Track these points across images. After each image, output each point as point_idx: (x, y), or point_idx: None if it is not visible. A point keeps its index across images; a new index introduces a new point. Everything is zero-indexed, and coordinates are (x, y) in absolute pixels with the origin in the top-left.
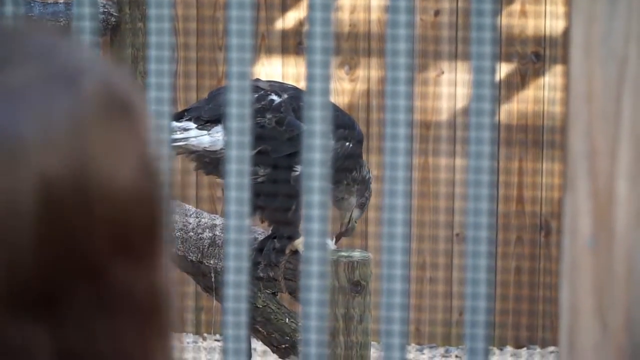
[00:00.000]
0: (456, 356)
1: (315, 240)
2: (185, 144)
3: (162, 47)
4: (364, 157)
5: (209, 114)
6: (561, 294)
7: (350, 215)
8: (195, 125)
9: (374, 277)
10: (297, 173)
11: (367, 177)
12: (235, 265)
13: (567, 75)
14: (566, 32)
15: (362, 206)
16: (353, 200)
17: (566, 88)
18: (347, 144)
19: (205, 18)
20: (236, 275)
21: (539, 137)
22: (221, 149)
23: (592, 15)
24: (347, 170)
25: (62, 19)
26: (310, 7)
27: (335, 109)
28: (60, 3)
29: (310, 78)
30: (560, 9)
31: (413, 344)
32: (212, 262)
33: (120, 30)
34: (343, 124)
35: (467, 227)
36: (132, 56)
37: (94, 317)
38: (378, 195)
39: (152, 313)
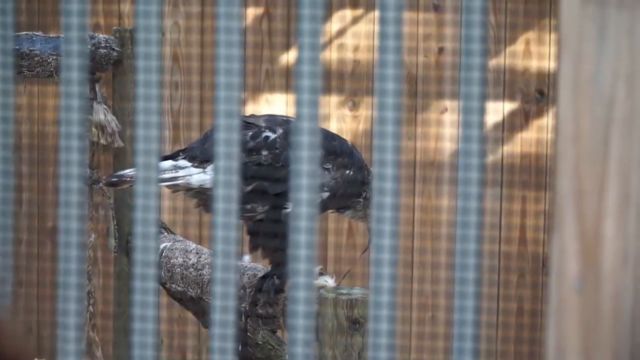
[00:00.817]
0: None
1: (301, 280)
2: (182, 182)
3: (150, 85)
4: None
5: (204, 154)
6: (548, 334)
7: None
8: (191, 164)
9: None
10: (289, 210)
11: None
12: (222, 304)
13: (555, 115)
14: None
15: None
16: (369, 212)
17: (554, 128)
18: (347, 172)
19: (207, 57)
20: (223, 314)
21: (541, 179)
22: None
23: (580, 55)
24: (354, 196)
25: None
26: (299, 46)
27: (333, 137)
28: (62, 37)
29: (298, 117)
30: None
31: None
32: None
33: (122, 66)
34: (342, 151)
35: (455, 267)
36: (134, 92)
37: None
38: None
39: None
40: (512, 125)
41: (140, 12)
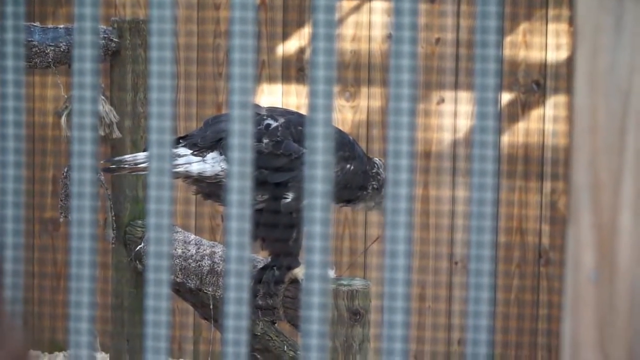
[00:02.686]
0: None
1: (316, 272)
2: (181, 170)
3: (164, 75)
4: None
5: (204, 142)
6: (563, 326)
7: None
8: (191, 152)
9: (374, 309)
10: (288, 200)
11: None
12: (236, 296)
13: (571, 107)
14: (568, 64)
15: (381, 203)
16: (379, 200)
17: (569, 120)
18: (348, 165)
19: (207, 47)
20: (237, 306)
21: (539, 169)
22: (216, 175)
23: (596, 47)
24: (357, 189)
25: (62, 44)
26: (314, 37)
27: (336, 129)
28: (60, 28)
29: (312, 108)
30: (563, 40)
31: None
32: (210, 289)
33: (120, 57)
34: (342, 145)
35: (470, 259)
36: (132, 83)
37: None
38: (381, 227)
39: None
40: (510, 115)
41: (154, 3)
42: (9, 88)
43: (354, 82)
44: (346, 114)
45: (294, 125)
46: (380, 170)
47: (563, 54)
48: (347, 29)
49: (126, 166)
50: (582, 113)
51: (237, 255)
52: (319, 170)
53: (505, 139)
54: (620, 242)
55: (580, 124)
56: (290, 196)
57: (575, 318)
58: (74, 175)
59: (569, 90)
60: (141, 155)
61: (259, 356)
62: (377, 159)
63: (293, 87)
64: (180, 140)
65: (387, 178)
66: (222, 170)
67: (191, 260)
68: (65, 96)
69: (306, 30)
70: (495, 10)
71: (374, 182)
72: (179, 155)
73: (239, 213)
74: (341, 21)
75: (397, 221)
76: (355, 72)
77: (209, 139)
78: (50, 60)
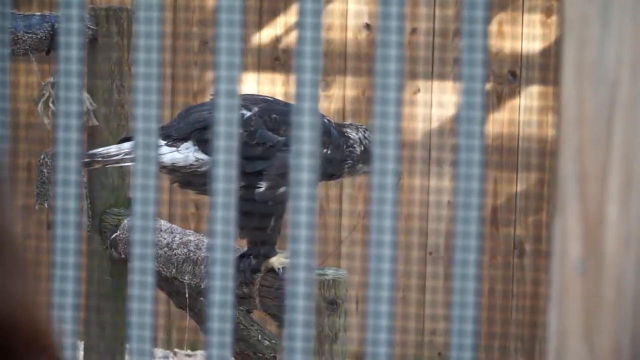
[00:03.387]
0: None
1: (302, 261)
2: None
3: (150, 64)
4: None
5: (178, 133)
6: (549, 317)
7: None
8: (165, 142)
9: (350, 298)
10: (262, 190)
11: (367, 145)
12: (221, 285)
13: (558, 98)
14: (543, 54)
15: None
16: (362, 167)
17: (556, 111)
18: (325, 150)
19: (180, 35)
20: (222, 294)
21: (513, 159)
22: (190, 165)
23: (584, 39)
24: (334, 174)
25: (38, 31)
26: (300, 26)
27: None
28: (36, 15)
29: (299, 97)
30: (537, 31)
31: None
32: (186, 278)
33: (97, 44)
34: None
35: (456, 249)
36: (109, 70)
37: None
38: (357, 215)
39: (18, 249)
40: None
41: None
42: None
43: (329, 72)
44: (321, 103)
45: (267, 114)
46: (355, 145)
47: (538, 45)
48: (324, 17)
49: (99, 159)
50: (569, 104)
51: (223, 244)
52: (305, 159)
53: (486, 127)
54: (607, 233)
55: (568, 115)
56: (264, 185)
57: (561, 309)
58: (59, 162)
59: (544, 81)
60: (113, 148)
61: (233, 345)
62: (350, 129)
63: (268, 76)
64: None
65: (370, 155)
66: (196, 161)
67: (167, 249)
68: (43, 83)
69: (282, 19)
70: (481, 0)
71: (349, 161)
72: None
73: (225, 201)
74: None
75: (383, 211)
76: (330, 61)
77: (182, 130)
78: (27, 47)
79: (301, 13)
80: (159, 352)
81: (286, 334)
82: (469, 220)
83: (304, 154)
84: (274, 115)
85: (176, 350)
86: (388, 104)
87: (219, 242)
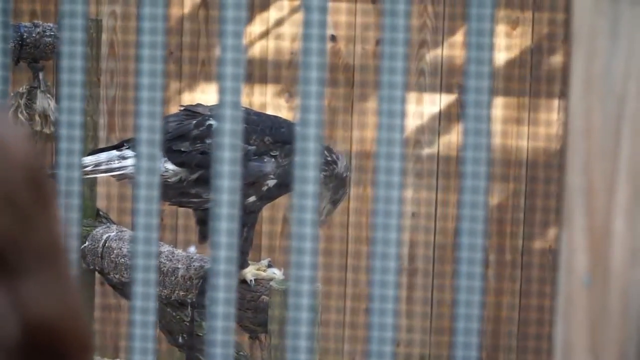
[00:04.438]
0: None
1: (306, 274)
2: (126, 172)
3: (155, 74)
4: None
5: None
6: (556, 330)
7: (323, 210)
8: (133, 154)
9: (323, 308)
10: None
11: (345, 174)
12: (225, 297)
13: (566, 110)
14: (507, 65)
15: (336, 202)
16: (326, 194)
17: (564, 123)
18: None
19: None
20: (225, 307)
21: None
22: (160, 175)
23: (592, 52)
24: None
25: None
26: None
27: (282, 124)
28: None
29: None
30: (502, 41)
31: None
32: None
33: None
34: (290, 139)
35: (461, 261)
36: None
37: (38, 268)
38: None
39: (61, 255)
40: (448, 116)
41: (146, 2)
42: None
43: (293, 82)
44: (286, 113)
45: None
46: (339, 167)
47: (503, 56)
48: (288, 28)
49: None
50: (576, 117)
51: (226, 256)
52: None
53: (443, 140)
54: (614, 245)
55: (575, 128)
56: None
57: (568, 322)
58: (62, 173)
59: (508, 92)
60: (88, 159)
61: (201, 357)
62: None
63: None
64: (125, 144)
65: (377, 180)
66: (165, 171)
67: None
68: (12, 94)
69: (254, 29)
70: (489, 12)
71: (327, 174)
72: (124, 158)
73: (229, 213)
74: (282, 20)
75: (389, 224)
76: (294, 72)
77: None
78: None
79: (306, 24)
80: None
81: (290, 346)
82: (474, 234)
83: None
84: (245, 125)
85: None
86: (395, 117)
87: (223, 254)
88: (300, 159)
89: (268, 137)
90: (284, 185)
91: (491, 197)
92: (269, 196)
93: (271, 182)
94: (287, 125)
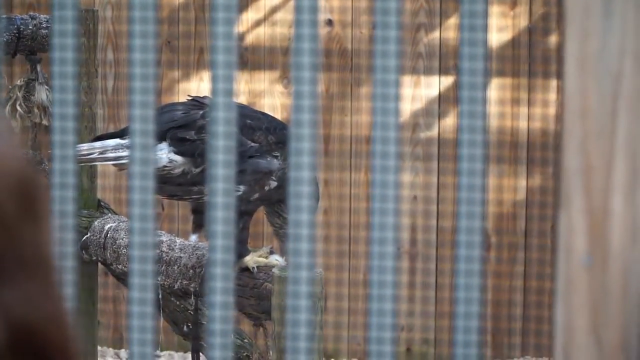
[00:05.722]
0: None
1: (304, 261)
2: (127, 161)
3: (147, 64)
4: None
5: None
6: (556, 312)
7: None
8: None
9: (327, 296)
10: (240, 193)
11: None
12: (223, 286)
13: (561, 90)
14: (504, 46)
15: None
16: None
17: (560, 104)
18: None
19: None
20: (223, 296)
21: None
22: (164, 167)
23: (586, 31)
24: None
25: (4, 35)
26: (297, 24)
27: (284, 126)
28: (2, 18)
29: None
30: (496, 22)
31: None
32: (158, 279)
33: None
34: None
35: (459, 245)
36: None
37: (22, 276)
38: (330, 213)
39: (47, 265)
40: (447, 99)
41: None
42: None
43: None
44: (284, 100)
45: (241, 118)
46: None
47: (499, 37)
48: (284, 15)
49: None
50: (572, 97)
51: (223, 245)
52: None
53: (442, 122)
54: (613, 226)
55: (571, 108)
56: (242, 189)
57: (568, 303)
58: (56, 165)
59: (504, 73)
60: (85, 146)
61: (205, 344)
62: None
63: None
64: (127, 131)
65: (373, 164)
66: (169, 162)
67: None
68: (10, 87)
69: (245, 16)
70: None
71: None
72: (127, 147)
73: (224, 202)
74: (278, 7)
75: (386, 208)
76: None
77: (157, 130)
78: None
79: (297, 10)
80: (123, 352)
81: (289, 333)
82: (473, 216)
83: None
84: (249, 121)
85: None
86: (389, 100)
87: (219, 242)
88: (295, 145)
89: (272, 136)
90: (282, 188)
91: (491, 179)
92: (268, 197)
93: (272, 184)
94: (286, 126)
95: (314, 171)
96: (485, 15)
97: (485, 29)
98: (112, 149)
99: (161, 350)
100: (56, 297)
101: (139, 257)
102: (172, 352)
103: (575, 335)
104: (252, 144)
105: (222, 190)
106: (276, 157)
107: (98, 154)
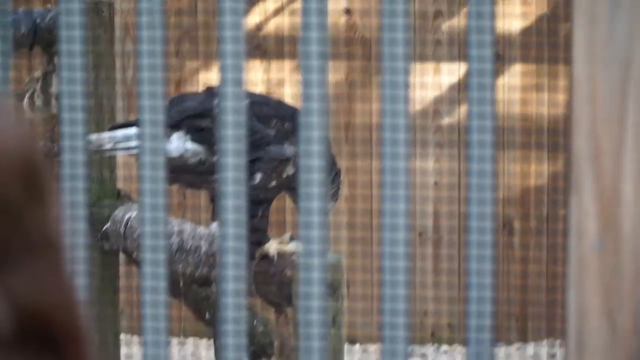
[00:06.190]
0: (422, 355)
1: (315, 248)
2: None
3: (155, 54)
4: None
5: (170, 121)
6: (568, 296)
7: None
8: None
9: (348, 282)
10: (257, 181)
11: (334, 170)
12: (234, 274)
13: (570, 77)
14: (524, 33)
15: (331, 197)
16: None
17: (568, 90)
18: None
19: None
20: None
21: (498, 138)
22: (180, 156)
23: (594, 18)
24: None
25: (22, 27)
26: (305, 12)
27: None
28: (20, 11)
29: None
30: (517, 9)
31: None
32: (180, 267)
33: None
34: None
35: (471, 231)
36: (93, 63)
37: (29, 260)
38: (352, 200)
39: (55, 249)
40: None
41: None
42: None
43: None
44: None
45: (258, 106)
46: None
47: (518, 23)
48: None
49: (92, 147)
50: (581, 82)
51: (234, 233)
52: (315, 145)
53: (463, 109)
54: (623, 209)
55: (580, 93)
56: (258, 177)
57: (581, 287)
58: (65, 156)
59: (525, 59)
60: (106, 136)
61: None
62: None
63: (249, 64)
64: None
65: (383, 152)
66: (187, 150)
67: None
68: (28, 79)
69: (262, 7)
70: None
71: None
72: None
73: (235, 190)
74: None
75: (396, 195)
76: None
77: (174, 118)
78: (14, 43)
79: None
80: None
81: (302, 320)
82: (483, 202)
83: (314, 139)
84: (266, 109)
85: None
86: (397, 87)
87: (231, 231)
88: (304, 134)
89: (288, 123)
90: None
91: (514, 165)
92: (288, 185)
93: (290, 171)
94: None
95: (323, 159)
96: (492, 1)
97: (492, 16)
98: (127, 139)
99: (185, 337)
100: (65, 282)
101: (150, 247)
102: (197, 339)
103: (588, 319)
104: (269, 132)
105: (233, 178)
106: (293, 144)
107: (115, 144)
